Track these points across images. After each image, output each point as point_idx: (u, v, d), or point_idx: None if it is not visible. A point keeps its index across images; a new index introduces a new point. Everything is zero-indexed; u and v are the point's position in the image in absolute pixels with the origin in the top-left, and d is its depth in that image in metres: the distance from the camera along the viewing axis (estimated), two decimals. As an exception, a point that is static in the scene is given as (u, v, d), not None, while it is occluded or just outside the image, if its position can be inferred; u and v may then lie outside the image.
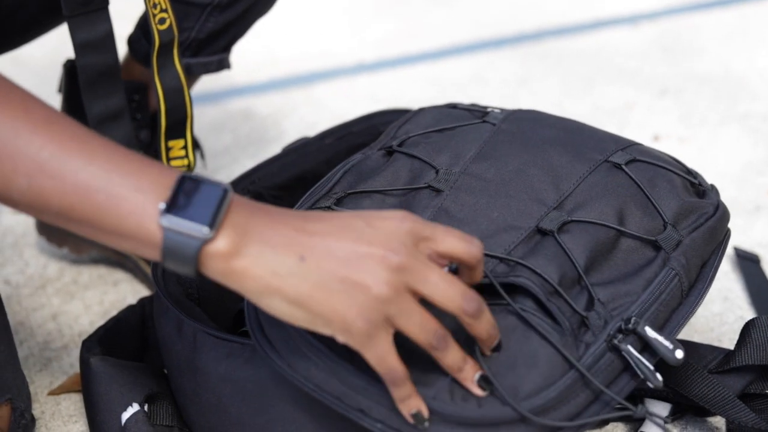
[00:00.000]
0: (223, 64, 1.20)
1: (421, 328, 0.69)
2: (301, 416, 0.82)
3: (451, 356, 0.71)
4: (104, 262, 1.24)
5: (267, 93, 1.73)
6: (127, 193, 0.67)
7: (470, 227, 0.87)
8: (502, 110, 1.03)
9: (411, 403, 0.71)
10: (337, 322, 0.67)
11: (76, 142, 0.68)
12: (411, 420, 0.72)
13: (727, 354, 0.95)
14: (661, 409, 0.95)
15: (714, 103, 1.64)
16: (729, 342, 1.07)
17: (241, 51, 1.46)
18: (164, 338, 0.91)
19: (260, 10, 1.18)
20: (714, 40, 1.89)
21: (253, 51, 1.78)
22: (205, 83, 1.63)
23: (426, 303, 0.70)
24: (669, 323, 0.84)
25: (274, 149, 1.51)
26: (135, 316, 1.04)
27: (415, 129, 1.01)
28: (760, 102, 1.64)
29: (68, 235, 1.21)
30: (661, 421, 0.94)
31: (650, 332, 0.79)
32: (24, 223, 1.33)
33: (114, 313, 1.05)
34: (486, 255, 0.83)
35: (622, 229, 0.88)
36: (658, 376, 0.78)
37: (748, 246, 1.24)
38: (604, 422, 0.94)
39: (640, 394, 0.95)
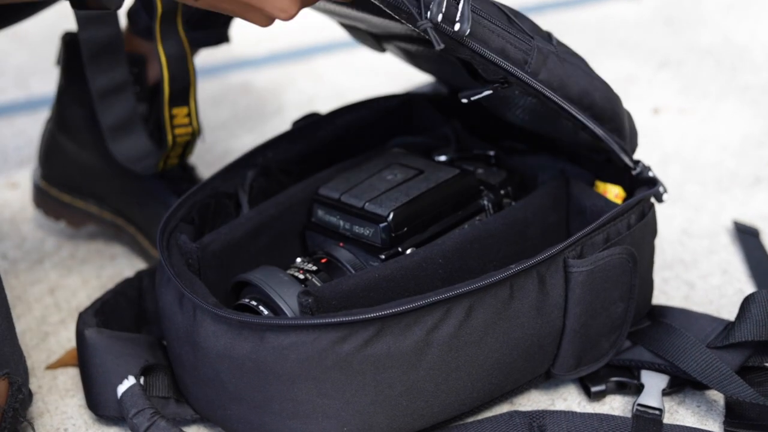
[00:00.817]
0: (222, 38, 1.20)
1: None
2: (299, 394, 0.83)
3: None
4: (101, 236, 1.23)
5: (266, 66, 1.72)
6: None
7: None
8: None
9: None
10: None
11: None
12: None
13: (726, 327, 0.95)
14: (659, 381, 0.94)
15: (715, 75, 1.63)
16: (728, 314, 1.07)
17: (241, 24, 1.45)
18: (165, 308, 0.91)
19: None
20: (715, 11, 1.88)
21: (253, 24, 1.76)
22: (204, 57, 1.62)
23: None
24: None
25: (273, 123, 1.50)
26: (132, 289, 1.04)
27: None
28: (761, 74, 1.63)
29: (64, 208, 1.21)
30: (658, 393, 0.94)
31: None
32: (21, 198, 1.32)
33: (111, 286, 1.05)
34: None
35: None
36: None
37: (747, 218, 1.24)
38: None
39: (638, 366, 0.95)
